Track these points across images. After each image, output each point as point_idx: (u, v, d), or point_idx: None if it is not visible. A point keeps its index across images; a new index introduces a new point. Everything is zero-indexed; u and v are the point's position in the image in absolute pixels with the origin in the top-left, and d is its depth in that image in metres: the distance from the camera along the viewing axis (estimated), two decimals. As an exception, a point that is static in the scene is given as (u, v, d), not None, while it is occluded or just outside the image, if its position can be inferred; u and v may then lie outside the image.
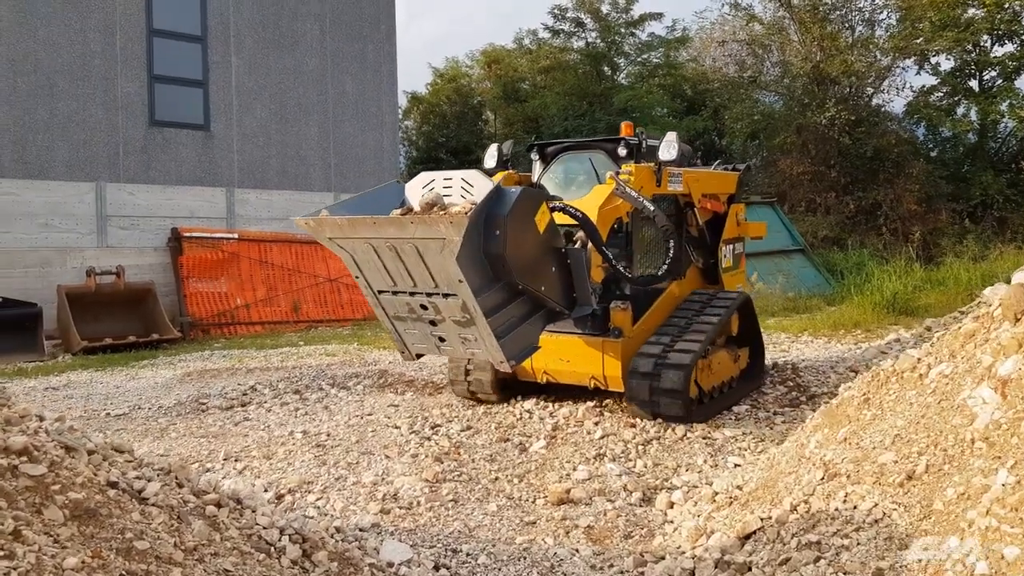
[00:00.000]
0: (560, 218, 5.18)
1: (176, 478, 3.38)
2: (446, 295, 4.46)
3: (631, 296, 6.63)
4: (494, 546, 4.37)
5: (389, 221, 4.32)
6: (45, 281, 11.72)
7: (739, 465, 5.46)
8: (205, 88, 14.47)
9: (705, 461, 5.67)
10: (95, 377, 9.39)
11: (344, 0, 16.35)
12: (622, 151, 6.83)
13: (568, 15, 26.03)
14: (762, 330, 11.16)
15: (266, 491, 5.24)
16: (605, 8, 25.86)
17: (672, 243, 6.28)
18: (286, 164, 15.41)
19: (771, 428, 6.41)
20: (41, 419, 3.11)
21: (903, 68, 22.61)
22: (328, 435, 6.39)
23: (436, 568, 4.01)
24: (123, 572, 2.52)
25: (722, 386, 6.94)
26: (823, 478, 3.31)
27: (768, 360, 8.55)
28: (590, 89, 25.62)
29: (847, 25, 22.78)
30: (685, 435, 6.17)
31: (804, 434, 4.08)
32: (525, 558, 4.21)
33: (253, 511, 3.51)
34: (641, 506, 4.94)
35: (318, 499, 5.13)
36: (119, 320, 11.66)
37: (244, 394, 7.92)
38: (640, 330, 6.64)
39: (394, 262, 4.52)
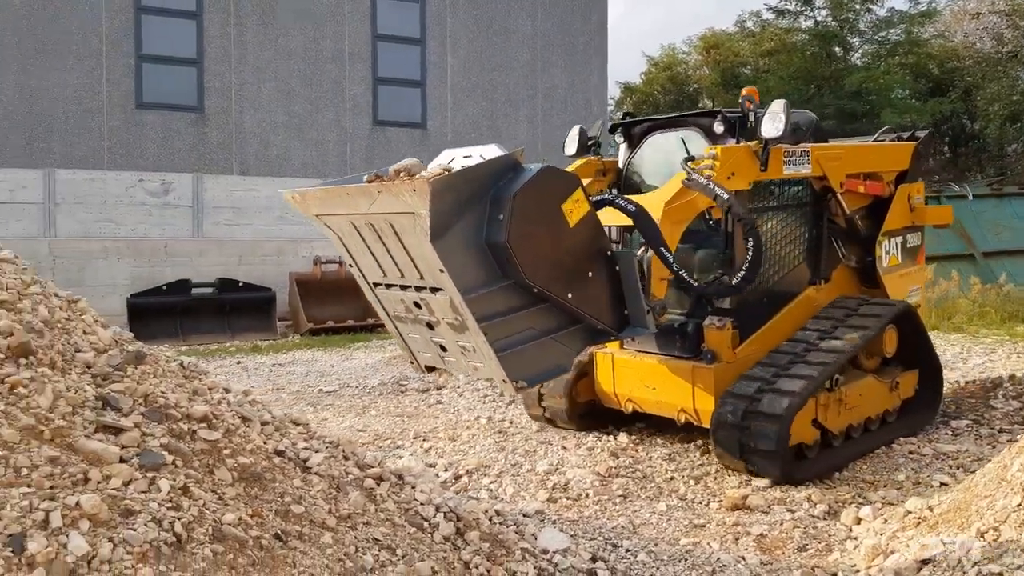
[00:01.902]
0: (614, 217, 4.39)
1: (343, 451, 3.62)
2: (434, 289, 3.62)
3: (740, 310, 5.45)
4: (656, 545, 4.26)
5: (360, 191, 3.54)
6: (279, 268, 13.01)
7: (946, 484, 4.93)
8: (423, 88, 15.32)
9: (907, 477, 5.17)
10: (316, 356, 10.30)
11: (556, -7, 16.63)
12: (718, 127, 5.51)
13: (795, -7, 24.65)
14: (1008, 338, 9.95)
15: (446, 471, 5.48)
16: (838, -16, 24.20)
17: (751, 243, 4.85)
18: (496, 158, 15.97)
19: (993, 447, 5.68)
20: (227, 391, 3.45)
21: None
22: (511, 422, 6.55)
23: (593, 560, 3.97)
24: (278, 531, 2.74)
25: (866, 423, 5.64)
26: (1020, 504, 2.88)
27: (1003, 372, 7.60)
28: (818, 72, 24.11)
29: None
30: (889, 447, 5.66)
31: (1009, 455, 3.58)
32: (686, 560, 4.07)
33: (413, 487, 3.67)
34: (824, 519, 4.60)
35: (492, 482, 5.27)
36: (340, 305, 12.68)
37: (440, 378, 8.32)
38: (749, 352, 5.41)
39: (376, 244, 3.73)
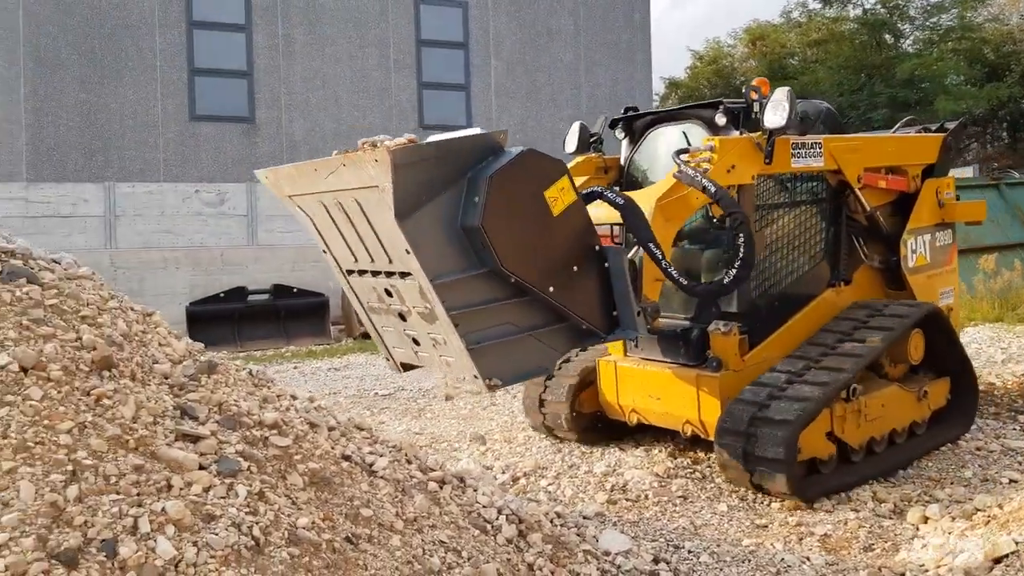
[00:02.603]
0: (612, 214, 4.18)
1: (406, 455, 3.69)
2: (403, 274, 3.42)
3: (749, 314, 5.18)
4: (719, 546, 4.25)
5: (326, 165, 3.41)
6: (331, 274, 13.19)
7: (1015, 481, 4.82)
8: (467, 91, 15.43)
9: (975, 474, 5.07)
10: (370, 360, 10.44)
11: (598, -7, 16.61)
12: (720, 119, 5.10)
13: (842, -18, 24.23)
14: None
15: (503, 473, 5.51)
16: (884, -29, 23.74)
17: (742, 239, 4.49)
18: (542, 159, 16.03)
19: (1066, 441, 5.55)
20: (294, 398, 3.54)
21: None
22: (566, 423, 6.56)
23: (655, 561, 3.97)
24: (349, 534, 2.81)
25: (892, 436, 5.24)
26: (1097, 503, 2.82)
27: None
28: (868, 60, 23.66)
29: None
30: (955, 444, 5.55)
31: (1084, 450, 3.50)
32: (749, 560, 4.05)
33: (475, 490, 3.72)
34: (890, 518, 4.53)
35: (550, 484, 5.29)
36: (392, 308, 12.84)
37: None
38: (759, 359, 5.11)
39: (346, 226, 3.56)
